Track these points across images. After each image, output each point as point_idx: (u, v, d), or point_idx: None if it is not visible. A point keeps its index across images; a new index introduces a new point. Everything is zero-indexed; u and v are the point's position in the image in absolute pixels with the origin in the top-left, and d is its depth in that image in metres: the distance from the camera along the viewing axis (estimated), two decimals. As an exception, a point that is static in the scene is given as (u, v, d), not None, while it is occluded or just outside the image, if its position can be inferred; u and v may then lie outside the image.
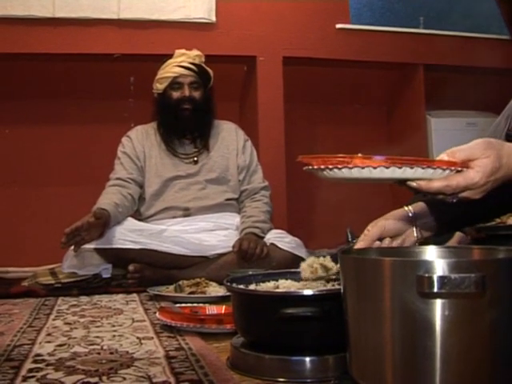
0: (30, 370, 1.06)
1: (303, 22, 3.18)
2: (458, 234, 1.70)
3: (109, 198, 2.27)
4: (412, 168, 0.82)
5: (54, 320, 1.58)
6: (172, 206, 2.43)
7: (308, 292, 0.99)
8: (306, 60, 3.19)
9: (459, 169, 0.85)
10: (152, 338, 1.32)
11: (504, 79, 2.83)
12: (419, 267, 0.72)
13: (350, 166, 0.82)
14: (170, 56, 2.51)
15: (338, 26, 3.22)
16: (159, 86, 2.49)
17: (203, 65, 2.51)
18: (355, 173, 0.83)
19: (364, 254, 0.93)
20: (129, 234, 2.20)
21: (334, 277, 1.10)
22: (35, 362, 1.12)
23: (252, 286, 1.13)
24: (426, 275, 0.69)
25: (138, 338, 1.32)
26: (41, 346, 1.26)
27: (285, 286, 1.12)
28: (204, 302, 1.70)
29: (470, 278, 0.68)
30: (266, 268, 1.98)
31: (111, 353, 1.18)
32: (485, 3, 3.22)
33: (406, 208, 1.15)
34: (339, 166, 0.83)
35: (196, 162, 2.51)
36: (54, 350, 1.22)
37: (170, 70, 2.47)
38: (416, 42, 3.32)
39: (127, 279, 2.13)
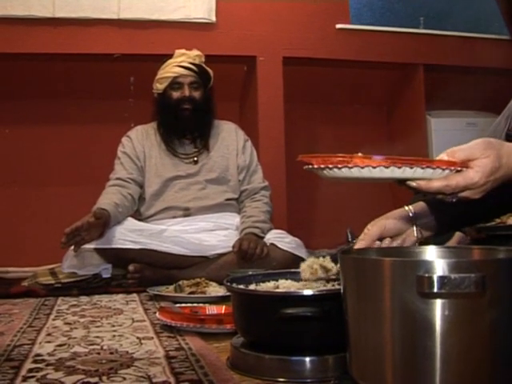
0: (30, 370, 1.06)
1: (303, 22, 3.18)
2: (457, 234, 1.71)
3: (109, 198, 2.27)
4: (411, 168, 0.82)
5: (54, 320, 1.58)
6: (172, 206, 2.43)
7: (308, 292, 0.99)
8: (306, 60, 3.19)
9: (459, 169, 0.85)
10: (152, 338, 1.32)
11: (504, 79, 2.83)
12: (419, 267, 0.72)
13: (350, 165, 0.82)
14: (170, 56, 2.51)
15: (338, 26, 3.22)
16: (159, 86, 2.49)
17: (203, 65, 2.51)
18: (355, 172, 0.83)
19: (364, 254, 0.93)
20: (129, 234, 2.20)
21: (334, 277, 1.10)
22: (35, 361, 1.12)
23: (252, 286, 1.13)
24: (426, 275, 0.69)
25: (137, 337, 1.32)
26: (41, 345, 1.26)
27: (285, 286, 1.12)
28: (204, 302, 1.70)
29: (470, 278, 0.68)
30: (266, 268, 1.98)
31: (111, 353, 1.18)
32: (485, 3, 3.23)
33: (406, 208, 1.15)
34: (339, 166, 0.83)
35: (196, 162, 2.51)
36: (54, 349, 1.22)
37: (170, 70, 2.47)
38: (416, 42, 3.32)
39: (127, 279, 2.13)
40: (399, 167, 0.82)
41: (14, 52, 2.81)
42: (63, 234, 1.99)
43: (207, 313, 1.50)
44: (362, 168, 0.82)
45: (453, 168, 0.85)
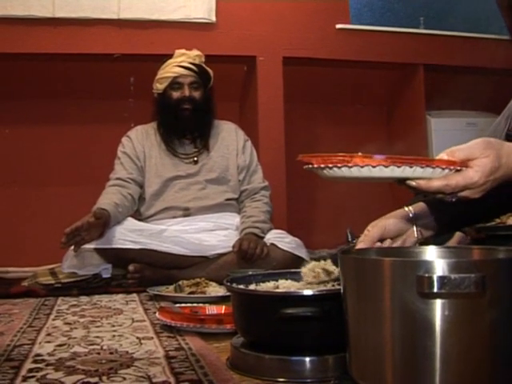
0: (30, 370, 1.06)
1: (303, 22, 3.18)
2: (458, 234, 1.70)
3: (109, 198, 2.27)
4: (411, 167, 0.82)
5: (53, 320, 1.58)
6: (172, 206, 2.43)
7: (308, 292, 0.99)
8: (306, 60, 3.19)
9: (458, 168, 0.85)
10: (152, 338, 1.32)
11: (504, 79, 2.83)
12: (419, 267, 0.72)
13: (350, 164, 0.82)
14: (170, 56, 2.51)
15: (338, 26, 3.22)
16: (159, 86, 2.49)
17: (203, 65, 2.51)
18: (355, 172, 0.83)
19: (364, 254, 0.93)
20: (129, 234, 2.20)
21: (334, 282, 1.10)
22: (35, 361, 1.12)
23: (252, 286, 1.13)
24: (426, 275, 0.69)
25: (137, 337, 1.32)
26: (41, 345, 1.26)
27: (285, 286, 1.12)
28: (204, 302, 1.70)
29: (470, 278, 0.68)
30: (266, 268, 1.98)
31: (111, 353, 1.18)
32: (485, 3, 3.23)
33: (406, 208, 1.15)
34: (339, 165, 0.83)
35: (196, 162, 2.51)
36: (54, 350, 1.22)
37: (170, 70, 2.47)
38: (416, 42, 3.32)
39: (127, 279, 2.13)
40: (399, 166, 0.82)
41: (14, 52, 2.81)
42: (63, 233, 1.99)
43: (207, 313, 1.50)
44: (362, 167, 0.82)
45: (452, 167, 0.85)
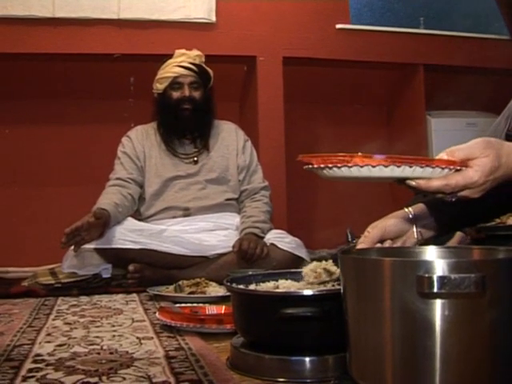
0: (30, 370, 1.06)
1: (303, 22, 3.18)
2: (458, 234, 1.71)
3: (109, 198, 2.27)
4: (411, 167, 0.82)
5: (53, 320, 1.58)
6: (172, 205, 2.42)
7: (308, 292, 0.99)
8: (306, 60, 3.19)
9: (458, 168, 0.85)
10: (152, 338, 1.32)
11: (504, 79, 2.83)
12: (419, 267, 0.72)
13: (350, 164, 0.82)
14: (170, 56, 2.51)
15: (338, 26, 3.22)
16: (159, 86, 2.49)
17: (203, 65, 2.51)
18: (354, 172, 0.83)
19: (364, 254, 0.93)
20: (129, 234, 2.20)
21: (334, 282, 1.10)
22: (35, 362, 1.12)
23: (252, 286, 1.13)
24: (426, 275, 0.69)
25: (137, 337, 1.32)
26: (41, 345, 1.26)
27: (285, 286, 1.12)
28: (204, 302, 1.70)
29: (470, 278, 0.68)
30: (266, 268, 1.98)
31: (111, 353, 1.18)
32: (485, 3, 3.23)
33: (406, 209, 1.15)
34: (339, 165, 0.83)
35: (196, 162, 2.51)
36: (54, 350, 1.22)
37: (170, 70, 2.46)
38: (416, 42, 3.32)
39: (127, 279, 2.13)
40: (398, 166, 0.82)
41: (14, 52, 2.81)
42: (63, 234, 1.99)
43: (207, 313, 1.50)
44: (362, 167, 0.82)
45: (452, 167, 0.85)
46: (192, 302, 1.71)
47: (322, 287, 1.08)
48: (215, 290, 1.89)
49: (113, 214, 2.19)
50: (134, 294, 2.03)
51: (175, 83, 2.46)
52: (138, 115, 2.89)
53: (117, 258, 2.19)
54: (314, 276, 1.10)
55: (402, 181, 0.87)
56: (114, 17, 2.90)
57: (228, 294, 1.55)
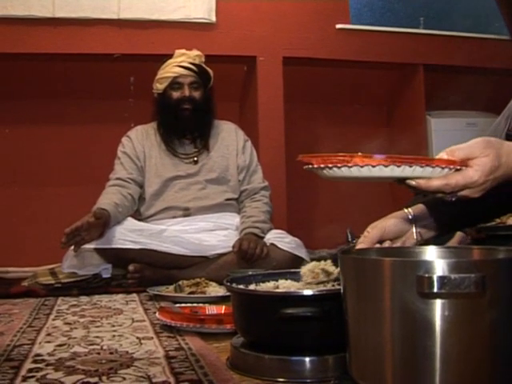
0: (30, 370, 1.06)
1: (303, 22, 3.17)
2: (458, 234, 1.71)
3: (109, 198, 2.27)
4: (411, 166, 0.82)
5: (53, 320, 1.58)
6: (172, 205, 2.42)
7: (308, 292, 0.99)
8: (306, 60, 3.19)
9: (458, 167, 0.85)
10: (152, 338, 1.32)
11: (504, 79, 2.83)
12: (419, 267, 0.72)
13: (350, 164, 0.82)
14: (170, 56, 2.51)
15: (338, 26, 3.22)
16: (159, 86, 2.49)
17: (203, 65, 2.51)
18: (354, 171, 0.83)
19: (364, 254, 0.93)
20: (129, 234, 2.20)
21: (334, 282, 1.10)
22: (35, 362, 1.12)
23: (252, 286, 1.13)
24: (426, 275, 0.69)
25: (137, 337, 1.32)
26: (41, 345, 1.26)
27: (285, 286, 1.12)
28: (204, 302, 1.70)
29: (470, 278, 0.68)
30: (266, 268, 1.98)
31: (111, 353, 1.18)
32: (485, 3, 3.23)
33: (405, 210, 1.15)
34: (339, 165, 0.83)
35: (196, 162, 2.51)
36: (54, 350, 1.22)
37: (170, 70, 2.46)
38: (416, 42, 3.32)
39: (127, 279, 2.13)
40: (398, 166, 0.82)
41: (14, 52, 2.81)
42: (63, 233, 1.99)
43: (207, 313, 1.50)
44: (362, 167, 0.82)
45: (452, 167, 0.85)
46: (192, 302, 1.71)
47: (321, 287, 1.08)
48: (215, 290, 1.89)
49: (113, 214, 2.19)
50: (134, 294, 2.03)
51: (175, 83, 2.46)
52: (138, 115, 2.89)
53: (117, 258, 2.19)
54: (312, 276, 1.10)
55: (402, 181, 0.87)
56: (114, 17, 2.90)
57: (228, 294, 1.55)
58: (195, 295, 1.84)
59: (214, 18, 3.03)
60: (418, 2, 3.49)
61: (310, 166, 0.88)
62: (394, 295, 0.73)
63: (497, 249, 0.86)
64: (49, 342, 1.30)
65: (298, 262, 2.25)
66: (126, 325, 1.49)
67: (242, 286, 1.10)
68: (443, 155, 0.87)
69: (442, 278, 0.68)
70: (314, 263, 1.13)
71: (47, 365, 1.09)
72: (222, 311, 1.49)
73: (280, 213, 2.92)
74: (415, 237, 1.13)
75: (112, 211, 2.19)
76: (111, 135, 2.75)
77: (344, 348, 0.84)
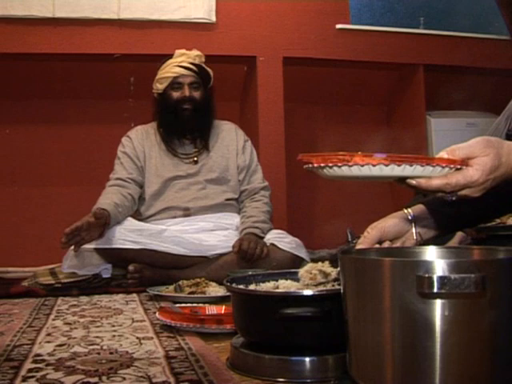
0: (30, 370, 1.06)
1: (303, 22, 3.18)
2: (458, 234, 1.71)
3: (109, 198, 2.27)
4: (411, 166, 0.82)
5: (53, 320, 1.58)
6: (172, 206, 2.42)
7: (308, 292, 0.99)
8: (306, 60, 3.19)
9: (458, 167, 0.85)
10: (152, 338, 1.32)
11: (504, 79, 2.84)
12: (419, 267, 0.72)
13: (350, 163, 0.82)
14: (170, 56, 2.51)
15: (338, 26, 3.22)
16: (159, 86, 2.49)
17: (203, 65, 2.51)
18: (355, 171, 0.83)
19: (364, 254, 0.93)
20: (129, 234, 2.20)
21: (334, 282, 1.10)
22: (35, 362, 1.12)
23: (252, 286, 1.13)
24: (426, 275, 0.69)
25: (137, 337, 1.32)
26: (41, 346, 1.26)
27: (285, 286, 1.12)
28: (204, 302, 1.70)
29: (470, 278, 0.68)
30: (266, 268, 1.98)
31: (111, 353, 1.18)
32: (485, 3, 3.23)
33: (405, 210, 1.15)
34: (339, 164, 0.83)
35: (196, 162, 2.51)
36: (54, 350, 1.22)
37: (170, 70, 2.46)
38: (416, 42, 3.32)
39: (127, 279, 2.13)
40: (399, 165, 0.82)
41: (14, 52, 2.81)
42: (63, 233, 1.99)
43: (207, 313, 1.50)
44: (362, 166, 0.82)
45: (452, 166, 0.85)
46: (192, 302, 1.71)
47: (321, 287, 1.08)
48: (215, 290, 1.89)
49: (113, 214, 2.18)
50: (134, 294, 2.03)
51: (175, 83, 2.46)
52: (138, 115, 2.89)
53: (117, 258, 2.19)
54: (310, 278, 1.10)
55: (402, 180, 0.87)
56: (114, 17, 2.90)
57: (228, 294, 1.55)
58: (195, 295, 1.83)
59: (214, 18, 3.03)
60: (417, 2, 3.50)
61: (310, 166, 0.88)
62: (394, 295, 0.73)
63: (497, 249, 0.86)
64: (49, 342, 1.30)
65: (298, 262, 2.25)
66: (125, 325, 1.49)
67: (241, 286, 1.10)
68: (443, 154, 0.87)
69: (442, 278, 0.68)
70: (311, 264, 1.13)
71: (47, 365, 1.09)
72: (222, 311, 1.49)
73: (280, 213, 2.92)
74: (415, 237, 1.13)
75: (112, 211, 2.19)
76: (111, 135, 2.75)
77: (344, 348, 0.84)
